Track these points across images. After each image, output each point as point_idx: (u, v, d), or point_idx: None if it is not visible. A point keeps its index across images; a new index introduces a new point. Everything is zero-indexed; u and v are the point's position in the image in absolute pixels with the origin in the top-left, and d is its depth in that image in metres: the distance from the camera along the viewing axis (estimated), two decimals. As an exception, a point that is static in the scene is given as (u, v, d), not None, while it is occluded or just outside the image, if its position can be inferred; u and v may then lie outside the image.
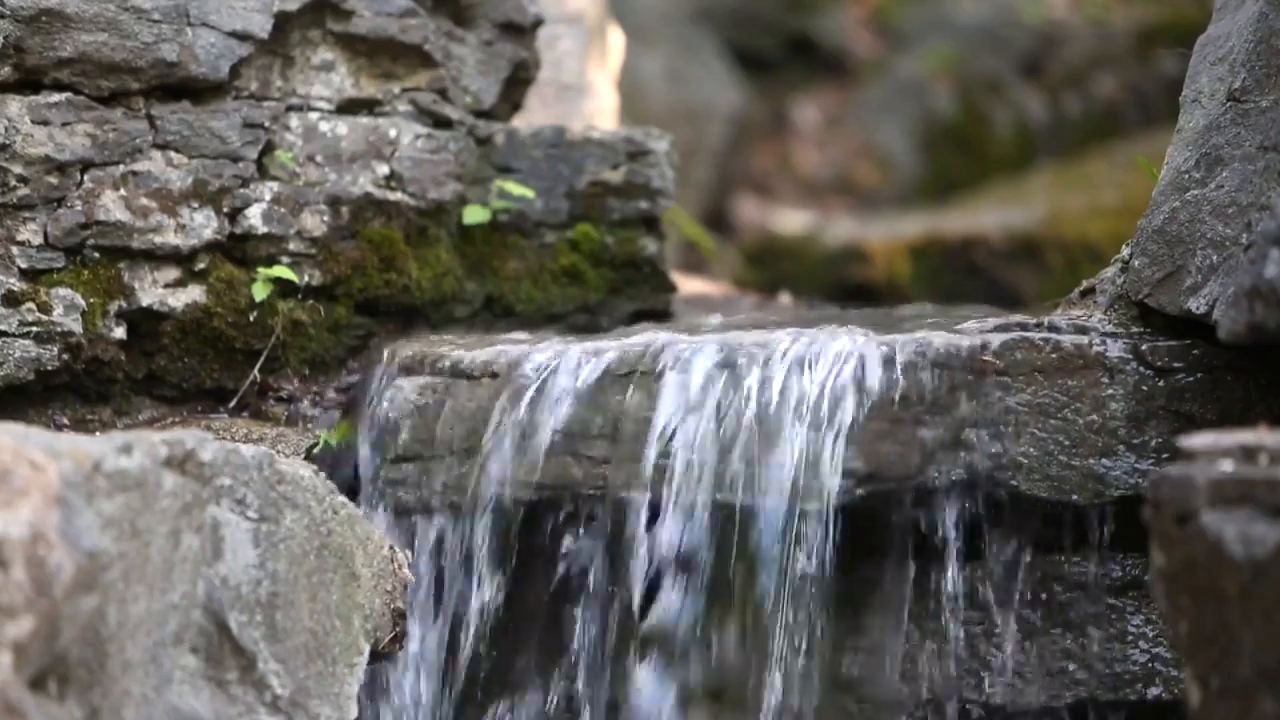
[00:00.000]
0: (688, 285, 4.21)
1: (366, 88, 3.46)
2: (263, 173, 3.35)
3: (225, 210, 3.30)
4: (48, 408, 3.22)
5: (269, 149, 3.35)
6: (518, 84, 3.64)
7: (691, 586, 3.01)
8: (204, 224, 3.27)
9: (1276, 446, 2.22)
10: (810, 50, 8.36)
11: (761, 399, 2.99)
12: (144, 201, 3.23)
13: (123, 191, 3.22)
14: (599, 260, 3.57)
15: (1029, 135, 7.73)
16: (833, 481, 2.95)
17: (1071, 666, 3.00)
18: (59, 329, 3.15)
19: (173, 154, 3.26)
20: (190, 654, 2.51)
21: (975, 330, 3.06)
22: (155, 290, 3.26)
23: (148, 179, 3.24)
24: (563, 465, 3.05)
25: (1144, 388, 2.99)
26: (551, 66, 4.21)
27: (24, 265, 3.16)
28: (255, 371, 3.32)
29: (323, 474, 2.72)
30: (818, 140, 8.04)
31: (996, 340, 3.00)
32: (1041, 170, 7.23)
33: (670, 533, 2.99)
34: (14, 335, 3.12)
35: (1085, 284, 3.23)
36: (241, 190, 3.31)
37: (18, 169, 3.15)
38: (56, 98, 3.19)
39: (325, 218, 3.37)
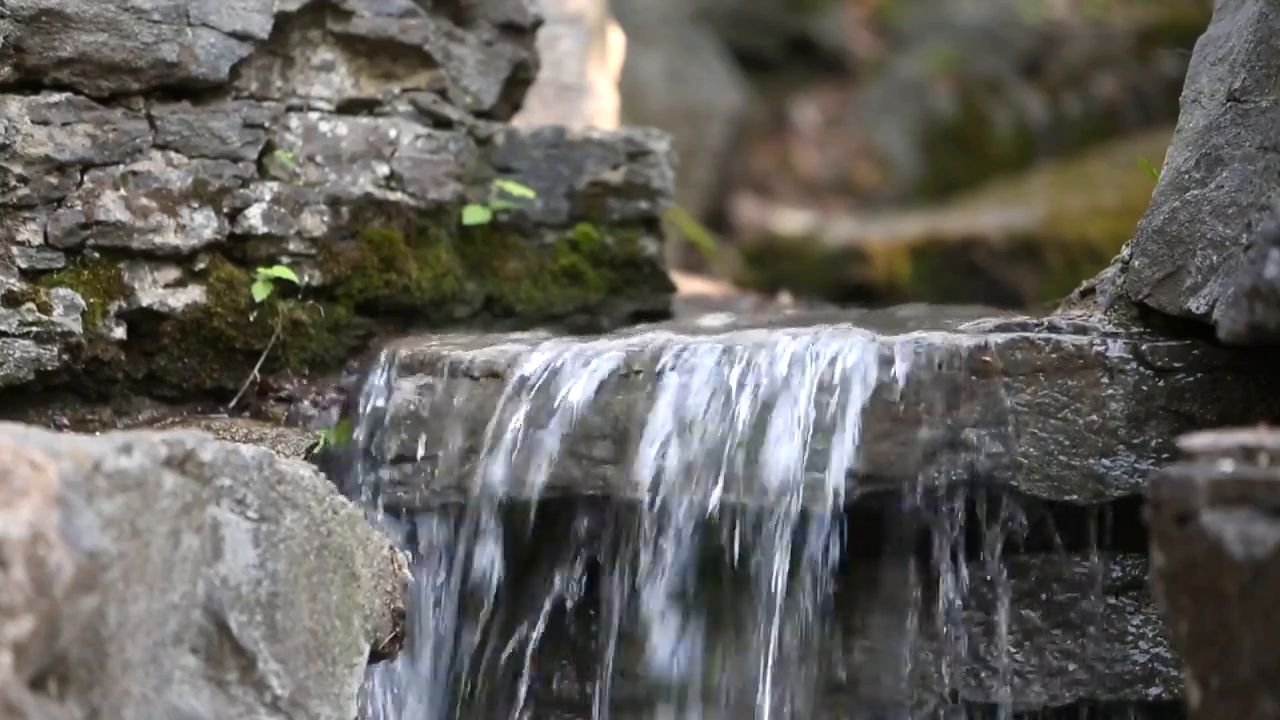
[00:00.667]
0: (688, 285, 4.21)
1: (366, 88, 3.46)
2: (263, 173, 3.35)
3: (225, 210, 3.30)
4: (48, 408, 3.22)
5: (269, 149, 3.35)
6: (518, 84, 3.64)
7: (691, 586, 3.01)
8: (204, 224, 3.27)
9: (1276, 446, 2.22)
10: (810, 50, 8.36)
11: (761, 399, 2.99)
12: (144, 201, 3.23)
13: (123, 191, 3.22)
14: (599, 260, 3.57)
15: (1029, 135, 7.73)
16: (833, 482, 2.95)
17: (1071, 666, 3.00)
18: (59, 329, 3.15)
19: (173, 154, 3.26)
20: (190, 654, 2.50)
21: (975, 330, 3.06)
22: (155, 290, 3.26)
23: (148, 179, 3.24)
24: (563, 466, 3.05)
25: (1144, 388, 2.99)
26: (551, 66, 4.21)
27: (24, 265, 3.16)
28: (255, 371, 3.32)
29: (322, 474, 2.71)
30: (818, 140, 8.04)
31: (997, 340, 3.00)
32: (1041, 170, 7.23)
33: (670, 533, 2.99)
34: (14, 335, 3.12)
35: (1085, 284, 3.23)
36: (241, 190, 3.31)
37: (18, 169, 3.15)
38: (56, 98, 3.19)
39: (325, 218, 3.37)
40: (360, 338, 3.41)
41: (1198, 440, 2.27)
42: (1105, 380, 2.99)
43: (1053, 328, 3.05)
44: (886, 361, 3.00)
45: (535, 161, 3.57)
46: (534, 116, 4.02)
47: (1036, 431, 2.98)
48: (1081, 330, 3.04)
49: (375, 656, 2.76)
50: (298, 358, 3.35)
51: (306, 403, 3.33)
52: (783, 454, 2.96)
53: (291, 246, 3.35)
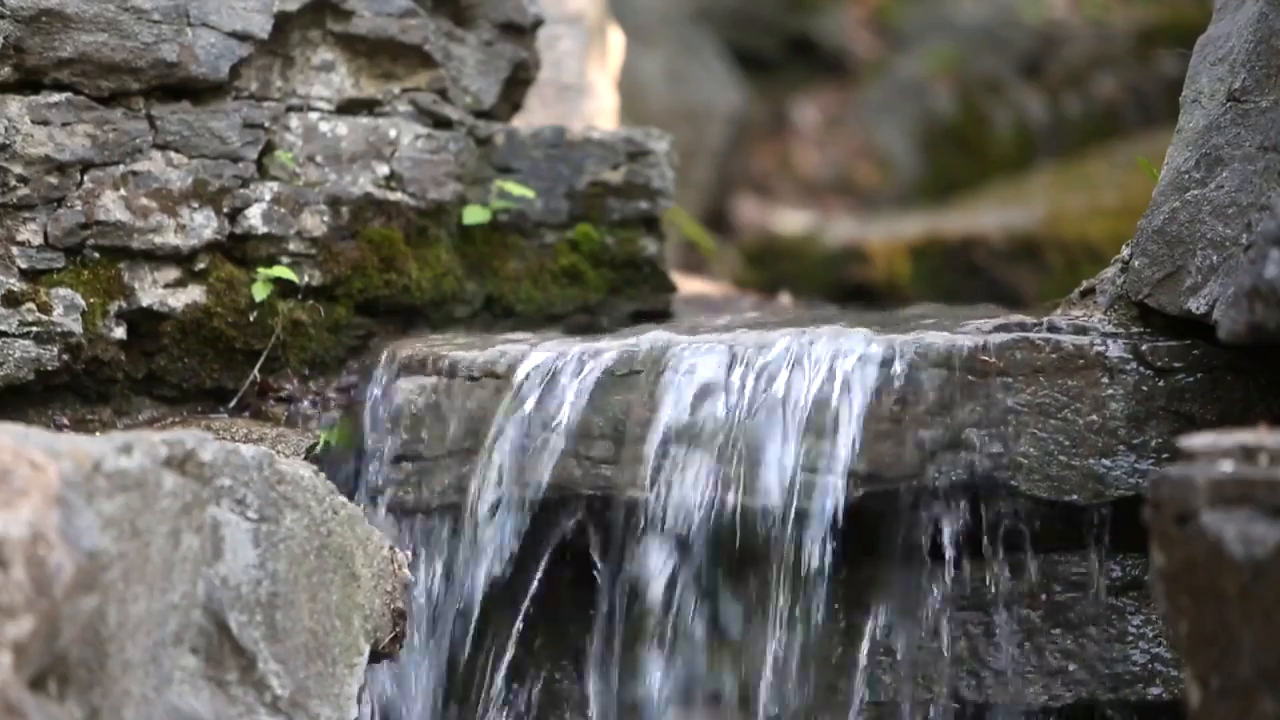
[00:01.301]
0: (688, 285, 4.21)
1: (366, 88, 3.46)
2: (263, 173, 3.35)
3: (225, 210, 3.30)
4: (48, 408, 3.22)
5: (269, 149, 3.35)
6: (518, 84, 3.64)
7: (692, 587, 3.01)
8: (204, 224, 3.27)
9: (1276, 446, 2.22)
10: (810, 50, 8.36)
11: (761, 399, 2.99)
12: (144, 201, 3.23)
13: (123, 191, 3.22)
14: (599, 260, 3.57)
15: (1029, 135, 7.73)
16: (833, 482, 2.95)
17: (1071, 666, 3.00)
18: (59, 329, 3.15)
19: (173, 154, 3.26)
20: (190, 654, 2.50)
21: (975, 330, 3.06)
22: (155, 290, 3.26)
23: (148, 179, 3.24)
24: (563, 465, 3.05)
25: (1144, 388, 2.99)
26: (551, 66, 4.21)
27: (24, 265, 3.16)
28: (255, 371, 3.32)
29: (323, 474, 2.72)
30: (818, 140, 8.04)
31: (996, 340, 3.00)
32: (1041, 170, 7.23)
33: (671, 533, 2.99)
34: (14, 335, 3.12)
35: (1085, 284, 3.23)
36: (241, 190, 3.31)
37: (18, 169, 3.15)
38: (56, 98, 3.19)
39: (325, 218, 3.37)
40: (360, 338, 3.41)
41: (1198, 440, 2.27)
42: (1105, 380, 2.99)
43: (1053, 328, 3.05)
44: (886, 362, 3.00)
45: (535, 161, 3.57)
46: (534, 116, 4.02)
47: (1036, 431, 2.98)
48: (1081, 330, 3.04)
49: (375, 656, 2.76)
50: (298, 358, 3.35)
51: (306, 403, 3.33)
52: (783, 454, 2.96)
53: (291, 246, 3.35)
